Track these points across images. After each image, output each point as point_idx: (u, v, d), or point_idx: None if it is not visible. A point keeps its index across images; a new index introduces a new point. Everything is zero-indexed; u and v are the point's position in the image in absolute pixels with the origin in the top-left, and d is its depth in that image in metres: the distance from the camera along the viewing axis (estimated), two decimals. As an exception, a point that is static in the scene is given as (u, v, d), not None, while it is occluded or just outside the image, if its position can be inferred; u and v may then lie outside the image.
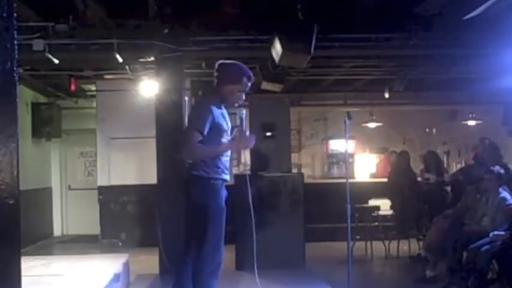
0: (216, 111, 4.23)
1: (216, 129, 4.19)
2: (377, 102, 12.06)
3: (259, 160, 6.89)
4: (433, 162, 9.26)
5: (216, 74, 4.38)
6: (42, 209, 11.95)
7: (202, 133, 4.12)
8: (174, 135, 7.39)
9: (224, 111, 4.35)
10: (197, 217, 4.17)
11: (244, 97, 4.37)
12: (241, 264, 6.97)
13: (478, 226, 6.73)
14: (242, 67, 4.38)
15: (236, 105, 4.34)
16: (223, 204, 4.22)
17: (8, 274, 1.87)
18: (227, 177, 4.32)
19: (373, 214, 9.31)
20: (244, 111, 4.34)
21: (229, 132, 4.32)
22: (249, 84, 4.34)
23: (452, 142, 12.93)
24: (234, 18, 7.25)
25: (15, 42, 1.91)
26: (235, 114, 4.39)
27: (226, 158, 4.29)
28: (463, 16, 6.21)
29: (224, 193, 4.29)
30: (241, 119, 4.32)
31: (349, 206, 5.44)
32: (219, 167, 4.21)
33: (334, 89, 11.85)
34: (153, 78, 7.90)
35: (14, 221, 1.91)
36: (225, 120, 4.31)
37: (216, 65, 4.39)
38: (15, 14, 1.91)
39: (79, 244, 11.34)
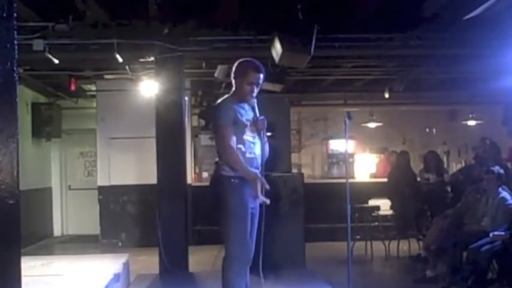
0: (236, 107, 4.25)
1: (238, 125, 4.20)
2: (377, 102, 12.05)
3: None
4: (433, 162, 9.26)
5: (231, 73, 4.43)
6: (42, 209, 11.95)
7: (230, 126, 4.17)
8: (174, 135, 7.42)
9: (245, 107, 4.33)
10: (220, 216, 4.19)
11: (255, 90, 4.32)
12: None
13: (478, 226, 6.73)
14: (249, 61, 4.39)
15: (248, 97, 4.30)
16: (248, 202, 4.18)
17: (8, 274, 1.87)
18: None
19: (373, 214, 9.31)
20: (255, 100, 4.32)
21: (250, 127, 4.28)
22: (258, 75, 4.30)
23: (452, 142, 12.93)
24: (234, 18, 7.25)
25: (15, 42, 1.91)
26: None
27: (249, 155, 4.25)
28: (463, 16, 6.21)
29: (252, 192, 4.20)
30: (253, 108, 4.31)
31: (349, 206, 5.44)
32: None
33: (334, 89, 11.85)
34: (153, 78, 7.89)
35: (14, 221, 1.91)
36: (246, 115, 4.28)
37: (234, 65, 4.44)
38: (15, 14, 1.91)
39: (79, 244, 11.35)
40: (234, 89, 4.38)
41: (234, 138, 4.19)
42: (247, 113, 4.32)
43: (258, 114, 4.31)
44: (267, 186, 4.12)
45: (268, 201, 4.17)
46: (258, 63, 4.40)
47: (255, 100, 4.33)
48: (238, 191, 4.16)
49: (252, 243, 4.28)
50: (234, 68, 4.40)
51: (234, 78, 4.37)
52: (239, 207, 4.15)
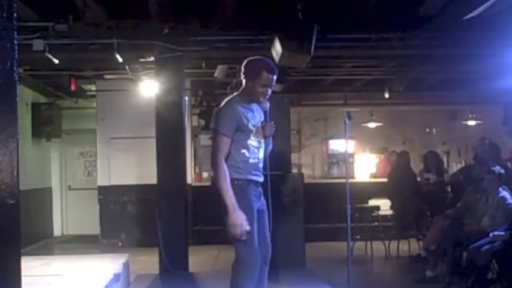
0: (242, 110, 4.10)
1: (242, 130, 4.08)
2: (377, 102, 12.06)
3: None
4: (433, 162, 9.26)
5: (242, 71, 4.27)
6: (42, 209, 11.95)
7: (229, 137, 4.05)
8: (174, 135, 7.42)
9: (254, 108, 4.20)
10: (226, 219, 4.08)
11: (269, 92, 4.17)
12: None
13: (478, 226, 6.73)
14: (262, 60, 4.23)
15: (261, 100, 4.17)
16: (253, 204, 4.11)
17: (8, 274, 1.87)
18: (255, 178, 4.17)
19: (373, 214, 9.31)
20: (268, 104, 4.19)
21: (255, 132, 4.15)
22: (271, 77, 4.13)
23: (452, 142, 12.93)
24: (234, 18, 7.25)
25: (15, 42, 1.91)
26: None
27: (253, 161, 4.14)
28: (463, 16, 6.21)
29: (256, 193, 4.17)
30: (265, 112, 4.20)
31: (349, 206, 5.44)
32: (241, 168, 4.09)
33: (334, 89, 11.86)
34: (153, 78, 7.89)
35: (14, 221, 1.91)
36: (253, 119, 4.15)
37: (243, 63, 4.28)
38: (15, 14, 1.91)
39: (79, 244, 11.35)
40: (243, 88, 4.22)
41: (229, 150, 4.06)
42: (254, 115, 4.17)
43: (268, 119, 4.18)
44: (244, 225, 3.97)
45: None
46: (272, 64, 4.24)
47: (268, 104, 4.18)
48: (243, 193, 4.07)
49: (266, 240, 4.18)
50: (245, 67, 4.22)
51: (245, 78, 4.19)
52: (245, 211, 4.04)
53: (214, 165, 4.08)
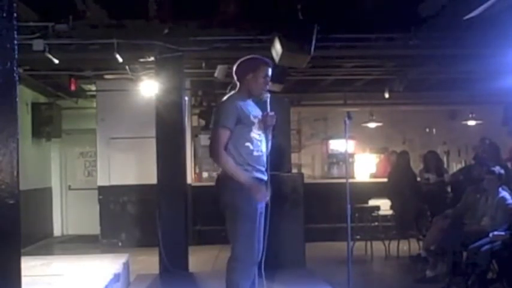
0: (242, 104, 4.19)
1: (244, 122, 4.14)
2: (377, 102, 12.06)
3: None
4: (433, 162, 9.26)
5: (235, 72, 4.37)
6: (42, 209, 11.95)
7: (229, 129, 4.11)
8: (174, 135, 7.42)
9: (252, 103, 4.31)
10: (228, 217, 4.13)
11: (268, 84, 4.34)
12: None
13: (478, 226, 6.73)
14: (257, 56, 4.41)
15: (262, 92, 4.29)
16: (256, 203, 4.12)
17: (8, 274, 1.87)
18: (262, 175, 4.20)
19: (373, 214, 9.31)
20: (268, 95, 4.31)
21: (257, 124, 4.22)
22: (269, 69, 4.31)
23: (452, 142, 12.93)
24: (234, 18, 7.25)
25: (15, 42, 1.91)
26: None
27: (257, 153, 4.18)
28: (463, 16, 6.21)
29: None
30: (265, 102, 4.29)
31: (349, 206, 5.44)
32: (249, 165, 4.13)
33: (334, 89, 11.85)
34: (153, 78, 7.90)
35: (14, 221, 1.91)
36: (254, 112, 4.23)
37: (234, 66, 4.40)
38: (15, 14, 1.91)
39: (79, 244, 11.35)
40: (241, 85, 4.32)
41: (228, 142, 4.12)
42: (254, 109, 4.27)
43: (269, 110, 4.26)
44: (265, 195, 4.11)
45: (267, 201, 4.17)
46: (266, 58, 4.42)
47: (268, 95, 4.30)
48: (247, 191, 4.08)
49: (260, 242, 4.22)
50: (241, 66, 4.33)
51: (244, 75, 4.29)
52: (247, 208, 4.07)
53: (216, 156, 4.16)
